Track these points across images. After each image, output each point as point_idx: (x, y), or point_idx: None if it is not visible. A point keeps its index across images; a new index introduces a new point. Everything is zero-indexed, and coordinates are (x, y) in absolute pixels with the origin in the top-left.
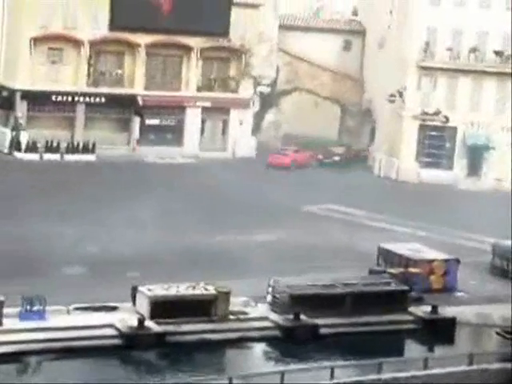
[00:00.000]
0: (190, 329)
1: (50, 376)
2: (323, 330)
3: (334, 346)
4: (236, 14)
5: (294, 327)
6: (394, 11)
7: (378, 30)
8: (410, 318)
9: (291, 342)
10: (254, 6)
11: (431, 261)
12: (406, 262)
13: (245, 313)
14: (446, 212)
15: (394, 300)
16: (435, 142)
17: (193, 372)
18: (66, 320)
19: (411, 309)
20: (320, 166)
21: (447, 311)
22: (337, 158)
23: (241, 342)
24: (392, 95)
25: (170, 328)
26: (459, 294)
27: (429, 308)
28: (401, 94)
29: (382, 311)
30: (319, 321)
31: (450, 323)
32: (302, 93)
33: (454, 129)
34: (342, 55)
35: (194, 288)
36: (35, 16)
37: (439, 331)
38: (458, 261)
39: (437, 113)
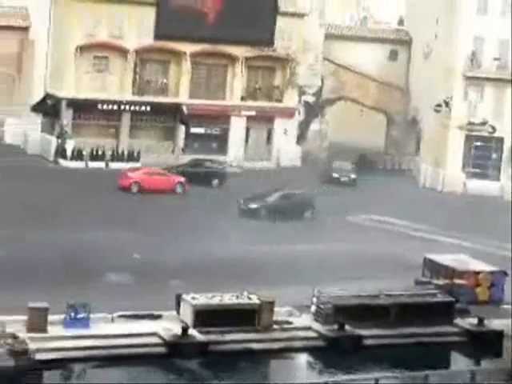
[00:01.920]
0: (234, 338)
1: (94, 383)
2: (367, 341)
3: (378, 358)
4: (281, 23)
5: (338, 338)
6: (441, 21)
7: (425, 39)
8: (456, 330)
9: (335, 353)
10: (300, 15)
11: (477, 272)
12: (452, 273)
13: (289, 322)
14: (492, 223)
15: (439, 311)
16: (482, 152)
17: (236, 382)
18: (109, 327)
19: (457, 321)
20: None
21: (494, 324)
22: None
23: (284, 352)
24: (438, 105)
25: (214, 337)
26: (506, 306)
27: (475, 320)
28: (447, 104)
29: (427, 323)
30: (363, 331)
31: (498, 336)
32: (348, 102)
33: (501, 139)
34: (387, 65)
35: (237, 297)
36: (81, 24)
37: (486, 344)
38: (504, 273)
39: (483, 123)
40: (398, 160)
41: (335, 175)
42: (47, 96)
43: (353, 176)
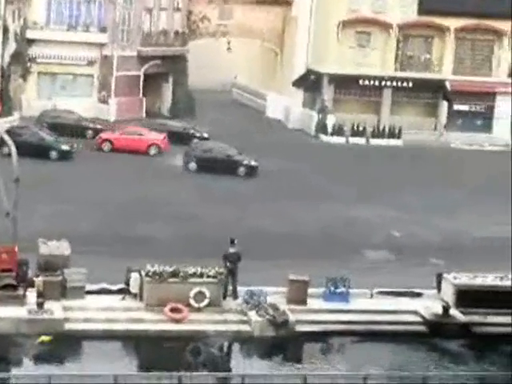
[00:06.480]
0: (497, 321)
1: (351, 358)
2: None
3: None
4: None
5: None
6: None
7: None
8: None
9: None
10: None
11: None
12: None
13: None
14: None
15: None
16: None
17: (499, 365)
18: (368, 303)
19: None
20: None
21: None
22: None
23: None
24: None
25: (476, 318)
26: None
27: None
28: None
29: None
30: None
31: None
32: None
33: None
34: None
35: (501, 279)
36: (344, 0)
37: None
38: None
39: None
40: None
41: None
42: (309, 71)
43: None
